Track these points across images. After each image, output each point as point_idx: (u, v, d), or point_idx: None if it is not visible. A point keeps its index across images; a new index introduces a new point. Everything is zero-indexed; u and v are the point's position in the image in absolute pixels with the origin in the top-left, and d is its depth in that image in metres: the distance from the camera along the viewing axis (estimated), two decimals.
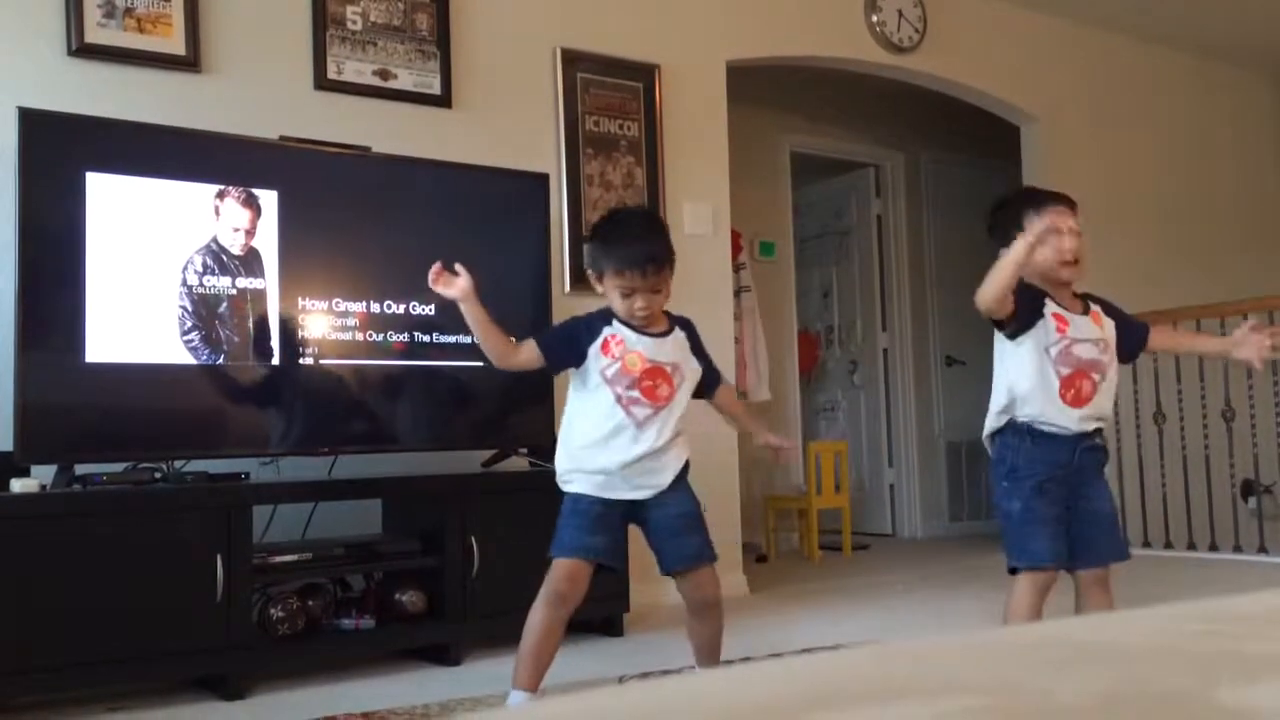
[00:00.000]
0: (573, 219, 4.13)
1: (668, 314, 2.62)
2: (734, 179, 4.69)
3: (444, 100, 3.93)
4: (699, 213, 4.52)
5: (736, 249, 5.46)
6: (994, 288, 2.42)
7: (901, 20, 5.20)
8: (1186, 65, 6.47)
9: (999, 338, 2.58)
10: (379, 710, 2.68)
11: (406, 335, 3.39)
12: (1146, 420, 5.43)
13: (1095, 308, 2.62)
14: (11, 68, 3.22)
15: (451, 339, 3.42)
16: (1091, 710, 0.59)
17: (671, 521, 2.55)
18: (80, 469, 2.90)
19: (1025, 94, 5.73)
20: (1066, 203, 2.58)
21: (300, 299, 3.23)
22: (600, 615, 3.52)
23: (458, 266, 2.49)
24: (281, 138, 3.38)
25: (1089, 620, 1.15)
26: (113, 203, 2.97)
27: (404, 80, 3.86)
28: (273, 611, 3.03)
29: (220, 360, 3.11)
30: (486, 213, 3.61)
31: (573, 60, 4.25)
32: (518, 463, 3.62)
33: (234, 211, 3.15)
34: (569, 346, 2.54)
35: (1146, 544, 5.40)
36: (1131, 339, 2.68)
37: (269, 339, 3.18)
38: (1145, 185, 6.15)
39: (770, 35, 4.85)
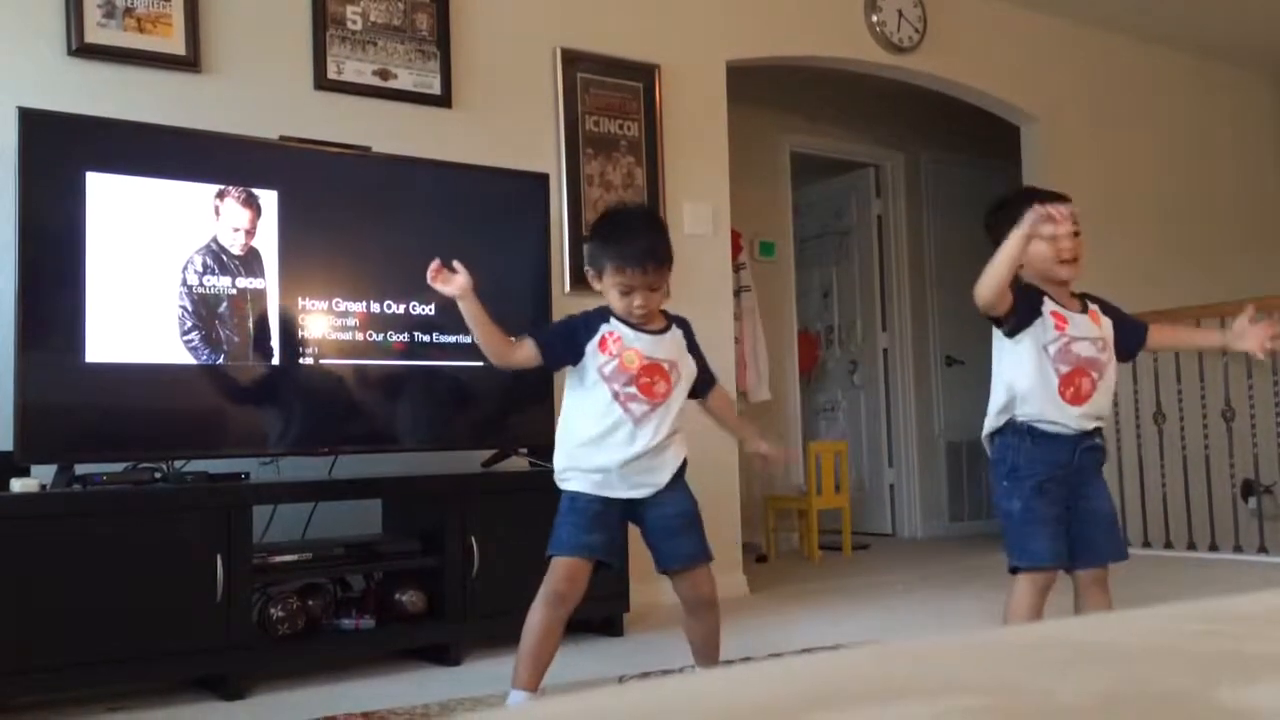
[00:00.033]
0: (573, 219, 4.13)
1: (665, 313, 2.62)
2: (734, 179, 4.69)
3: (444, 100, 3.93)
4: (699, 213, 4.52)
5: (736, 249, 5.46)
6: (991, 282, 2.41)
7: (901, 20, 5.20)
8: (1186, 65, 6.47)
9: (997, 336, 2.58)
10: (379, 710, 2.68)
11: (406, 335, 3.39)
12: (1146, 420, 5.43)
13: (1093, 307, 2.62)
14: (11, 68, 3.22)
15: (451, 339, 3.42)
16: (1091, 710, 0.59)
17: (669, 521, 2.56)
18: (80, 469, 2.90)
19: (1025, 94, 5.73)
20: (1064, 202, 2.58)
21: (300, 299, 3.23)
22: (600, 615, 3.52)
23: (455, 264, 2.49)
24: (281, 138, 3.38)
25: (1089, 620, 1.15)
26: (113, 203, 2.97)
27: (404, 80, 3.86)
28: (273, 611, 3.03)
29: (220, 360, 3.11)
30: (486, 213, 3.61)
31: (573, 60, 4.25)
32: (518, 463, 3.62)
33: (234, 211, 3.15)
34: (567, 344, 2.54)
35: (1146, 544, 5.40)
36: (1130, 337, 2.67)
37: (269, 339, 3.18)
38: (1145, 185, 6.15)
39: (770, 35, 4.85)
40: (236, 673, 2.90)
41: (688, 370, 2.59)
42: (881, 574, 5.16)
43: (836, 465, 5.82)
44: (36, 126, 2.90)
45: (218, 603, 2.87)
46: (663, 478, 2.54)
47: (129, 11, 3.38)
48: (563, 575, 2.48)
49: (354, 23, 3.78)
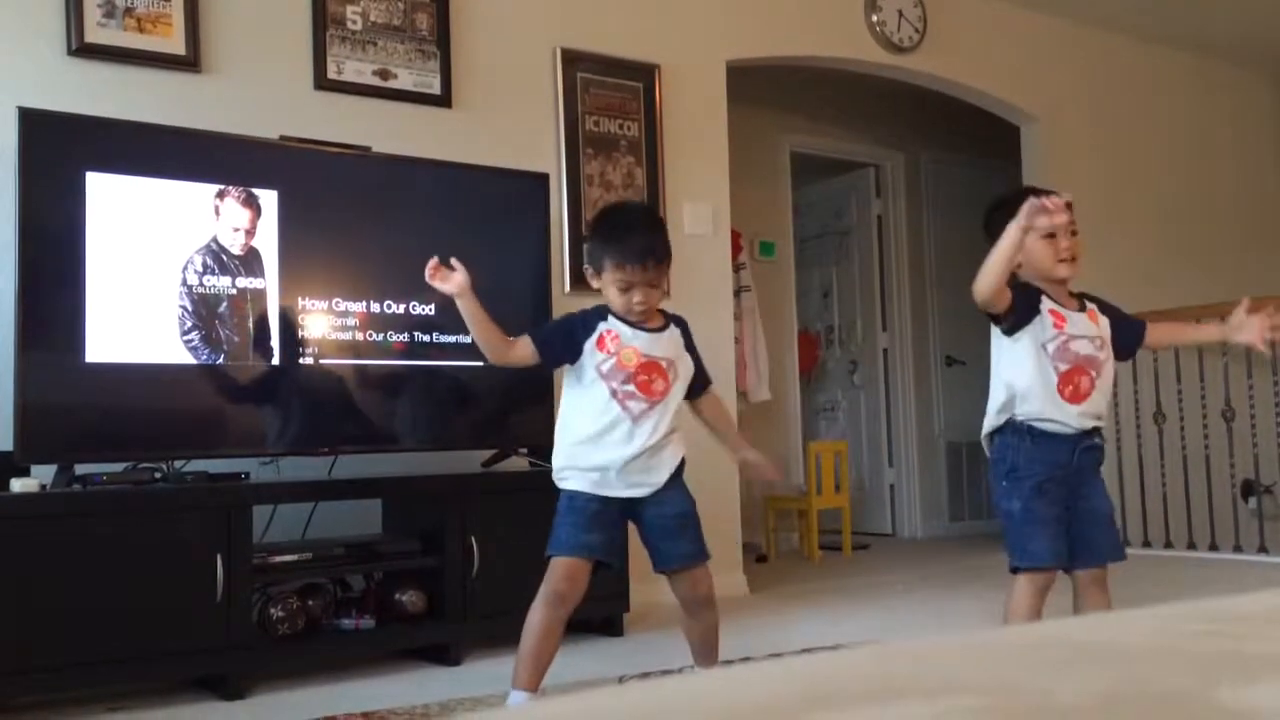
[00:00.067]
0: (573, 219, 4.13)
1: (663, 311, 2.62)
2: (734, 179, 4.69)
3: (444, 100, 3.93)
4: (699, 213, 4.52)
5: (736, 249, 5.46)
6: (989, 277, 2.41)
7: (901, 20, 5.20)
8: (1186, 65, 6.47)
9: (996, 335, 2.58)
10: (379, 710, 2.68)
11: (406, 335, 3.39)
12: (1146, 420, 5.43)
13: (1091, 306, 2.62)
14: (11, 68, 3.22)
15: (451, 339, 3.42)
16: (1091, 710, 0.59)
17: (667, 521, 2.56)
18: (80, 469, 2.90)
19: (1025, 94, 5.73)
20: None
21: (300, 299, 3.23)
22: (600, 615, 3.52)
23: (454, 261, 2.49)
24: (281, 138, 3.38)
25: (1089, 620, 1.15)
26: (113, 203, 2.97)
27: (404, 80, 3.86)
28: (273, 611, 3.03)
29: (220, 360, 3.11)
30: (486, 213, 3.61)
31: (573, 60, 4.25)
32: (518, 463, 3.62)
33: (234, 211, 3.15)
34: (564, 342, 2.54)
35: (1146, 544, 5.41)
36: (1128, 336, 2.67)
37: (269, 339, 3.18)
38: (1145, 185, 6.15)
39: (770, 35, 4.85)
40: (236, 673, 2.90)
41: (686, 369, 2.59)
42: (881, 574, 5.16)
43: (836, 465, 5.82)
44: (36, 126, 2.90)
45: (218, 603, 2.87)
46: (661, 477, 2.54)
47: (129, 11, 3.38)
48: (562, 575, 2.48)
49: (354, 23, 3.78)
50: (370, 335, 3.34)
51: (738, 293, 5.54)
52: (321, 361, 3.26)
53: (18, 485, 2.78)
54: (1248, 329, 2.59)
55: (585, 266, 2.63)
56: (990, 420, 2.60)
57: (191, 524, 2.90)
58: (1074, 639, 0.81)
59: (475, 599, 3.28)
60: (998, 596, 2.65)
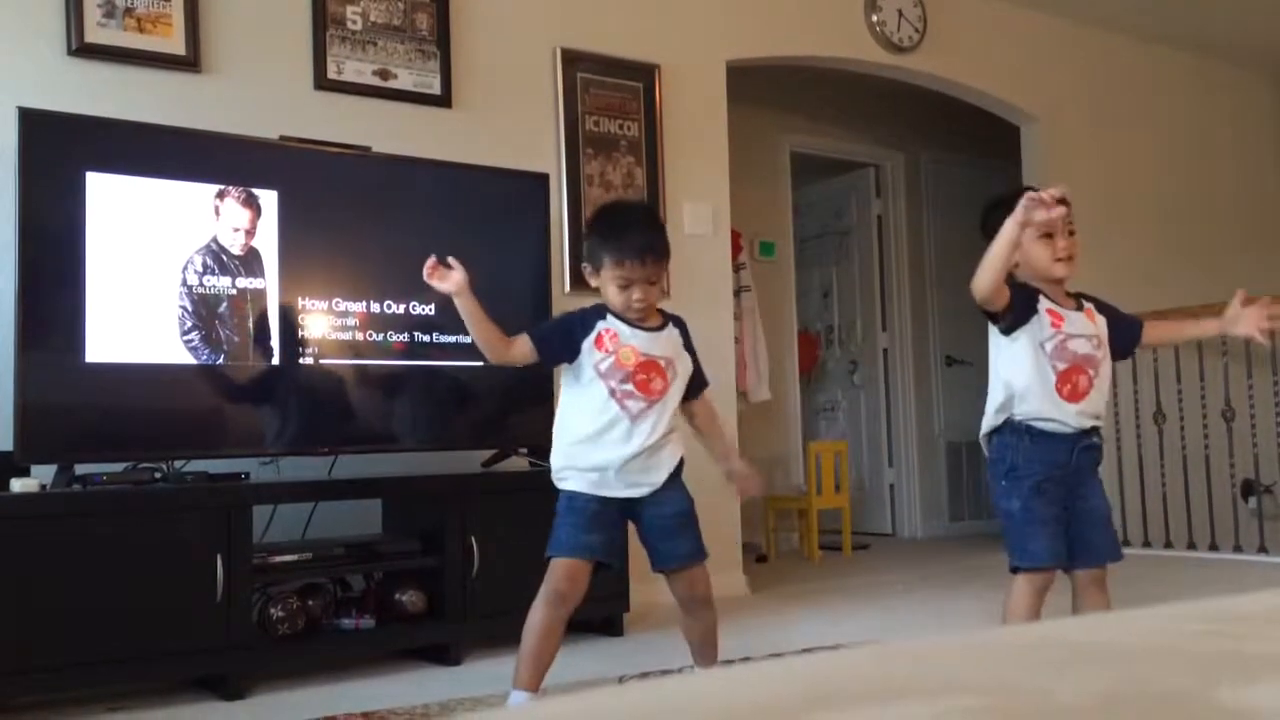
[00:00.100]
0: (573, 219, 4.13)
1: (661, 311, 2.62)
2: (734, 179, 4.69)
3: (444, 100, 3.93)
4: (699, 213, 4.52)
5: (736, 249, 5.46)
6: (988, 274, 2.41)
7: (901, 20, 5.20)
8: (1186, 65, 6.47)
9: (994, 334, 2.58)
10: (379, 710, 2.68)
11: (406, 335, 3.39)
12: (1146, 420, 5.43)
13: (1088, 305, 2.63)
14: (11, 68, 3.23)
15: (451, 339, 3.42)
16: (1091, 710, 0.59)
17: (666, 521, 2.56)
18: (80, 469, 2.90)
19: (1025, 94, 5.73)
20: (1060, 201, 2.57)
21: (300, 299, 3.23)
22: (600, 615, 3.52)
23: (451, 260, 2.49)
24: (281, 138, 3.38)
25: (1088, 620, 1.15)
26: (113, 203, 2.97)
27: (404, 80, 3.86)
28: (273, 611, 3.03)
29: (220, 360, 3.11)
30: (486, 213, 3.61)
31: (573, 60, 4.25)
32: (518, 463, 3.62)
33: (234, 211, 3.15)
34: (563, 340, 2.54)
35: (1146, 544, 5.41)
36: (1125, 335, 2.67)
37: (269, 339, 3.18)
38: (1145, 185, 6.15)
39: (770, 35, 4.85)
40: (236, 673, 2.90)
41: (684, 368, 2.59)
42: (881, 574, 5.16)
43: (836, 465, 5.82)
44: (36, 126, 2.90)
45: (218, 603, 2.87)
46: (660, 476, 2.54)
47: (129, 11, 3.38)
48: (563, 575, 2.48)
49: (354, 23, 3.78)
50: (370, 335, 3.34)
51: (738, 293, 5.54)
52: (321, 361, 3.26)
53: (18, 485, 2.78)
54: (1244, 321, 2.58)
55: (583, 265, 2.63)
56: (988, 420, 2.59)
57: (191, 524, 2.90)
58: (1074, 639, 0.81)
59: (475, 599, 3.28)
60: (998, 596, 2.65)
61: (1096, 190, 5.64)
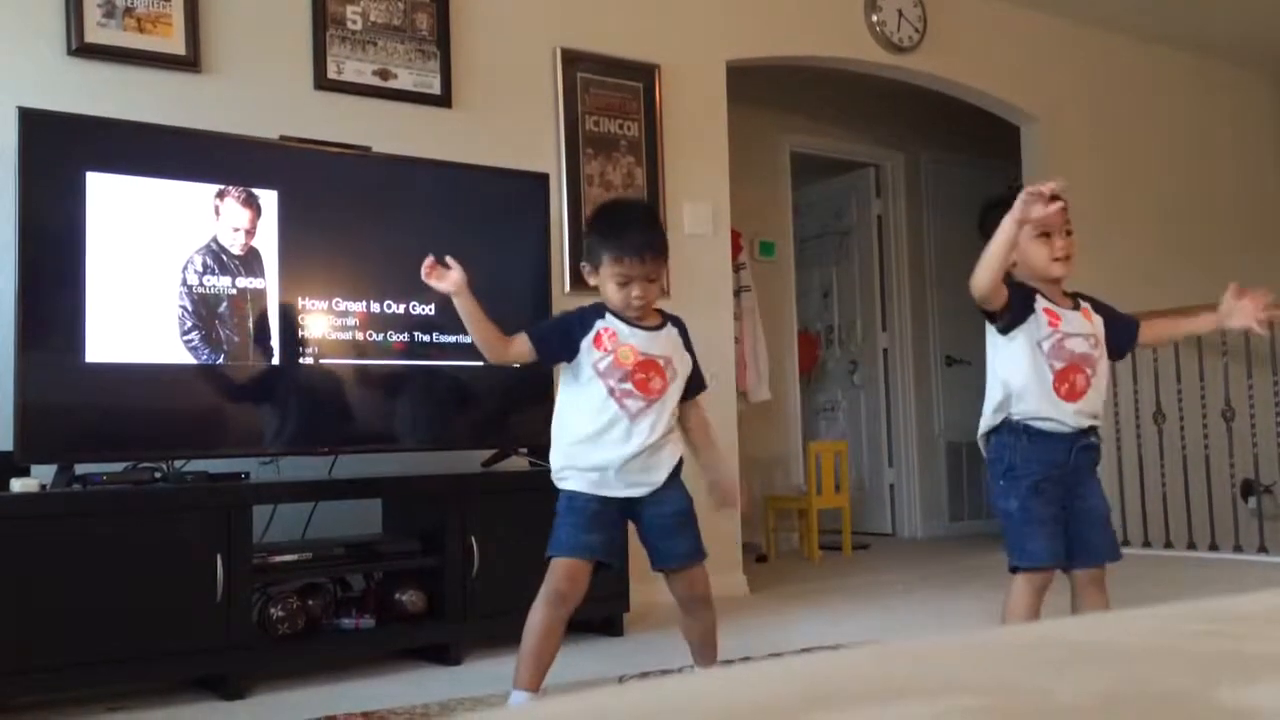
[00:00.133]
0: (573, 219, 4.13)
1: (660, 311, 2.62)
2: (734, 179, 4.69)
3: (444, 100, 3.93)
4: (699, 213, 4.52)
5: (736, 249, 5.46)
6: (987, 272, 2.41)
7: (901, 20, 5.20)
8: (1186, 65, 6.47)
9: (991, 334, 2.58)
10: (379, 710, 2.68)
11: (406, 335, 3.39)
12: (1146, 420, 5.43)
13: (1085, 304, 2.63)
14: (11, 68, 3.22)
15: (451, 339, 3.42)
16: (1091, 710, 0.59)
17: (666, 520, 2.56)
18: (80, 469, 2.90)
19: (1025, 94, 5.72)
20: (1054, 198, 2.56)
21: (300, 299, 3.23)
22: (600, 615, 3.52)
23: (449, 259, 2.49)
24: (281, 138, 3.38)
25: (1088, 620, 1.15)
26: (113, 203, 2.97)
27: (404, 80, 3.86)
28: (273, 611, 3.03)
29: (220, 360, 3.11)
30: (486, 213, 3.61)
31: (573, 60, 4.25)
32: (518, 462, 3.62)
33: (234, 211, 3.15)
34: (562, 339, 2.54)
35: (1146, 544, 5.40)
36: (1122, 335, 2.67)
37: (269, 339, 3.18)
38: (1145, 185, 6.15)
39: (770, 35, 4.85)
40: (236, 673, 2.90)
41: (684, 367, 2.59)
42: (881, 574, 5.16)
43: (836, 465, 5.82)
44: (36, 126, 2.90)
45: (218, 603, 2.87)
46: (660, 476, 2.54)
47: (129, 11, 3.38)
48: (563, 575, 2.48)
49: (354, 23, 3.78)
50: (370, 335, 3.34)
51: (738, 293, 5.54)
52: (321, 361, 3.26)
53: (18, 485, 2.78)
54: (1240, 313, 2.58)
55: (582, 264, 2.63)
56: (987, 420, 2.59)
57: (191, 524, 2.90)
58: (1073, 639, 0.81)
59: (475, 599, 3.28)
60: (997, 596, 2.65)
61: (1096, 190, 5.64)
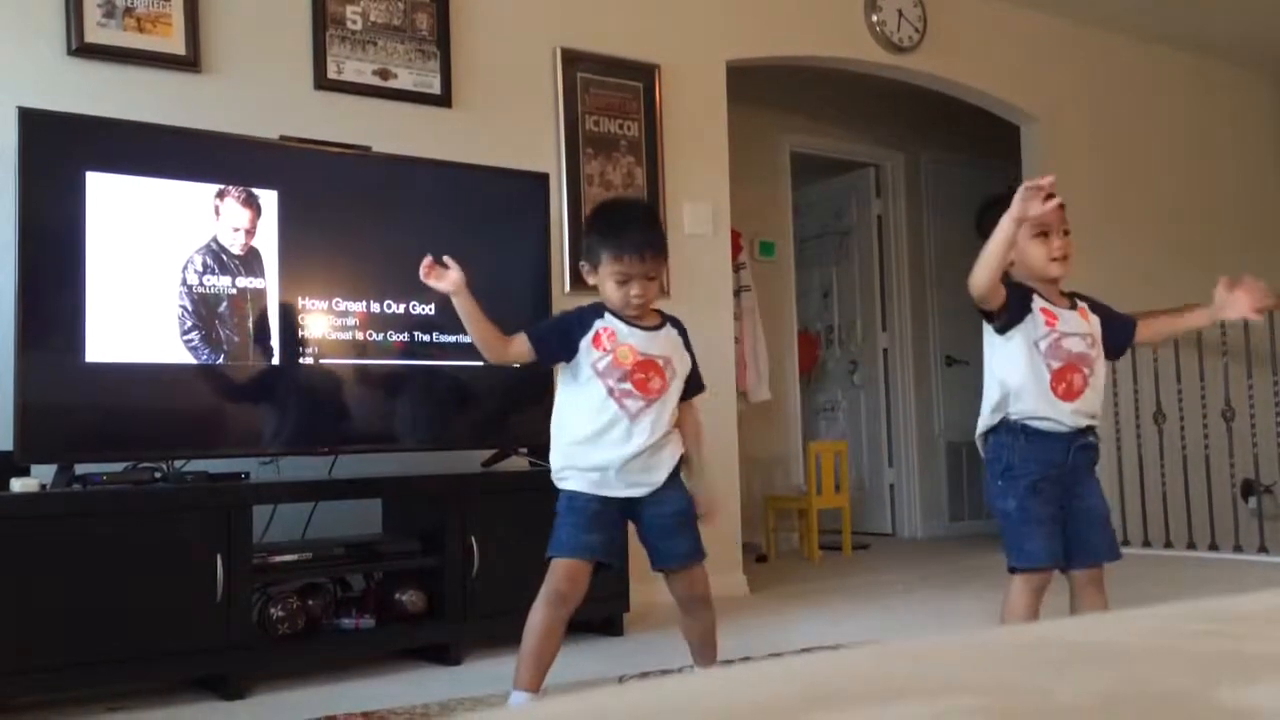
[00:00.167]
0: (573, 219, 4.13)
1: (659, 311, 2.62)
2: (734, 179, 4.69)
3: (444, 100, 3.93)
4: (699, 213, 4.52)
5: (736, 249, 5.46)
6: (985, 271, 2.41)
7: (901, 20, 5.20)
8: (1186, 65, 6.47)
9: (988, 334, 2.58)
10: (379, 710, 2.68)
11: (406, 335, 3.39)
12: (1146, 420, 5.43)
13: (1082, 304, 2.63)
14: (11, 68, 3.22)
15: (451, 339, 3.42)
16: (1091, 710, 0.59)
17: (666, 520, 2.56)
18: (80, 469, 2.90)
19: (1025, 94, 5.72)
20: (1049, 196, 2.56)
21: (300, 298, 3.23)
22: (600, 615, 3.52)
23: (447, 259, 2.49)
24: (281, 138, 3.38)
25: (1088, 620, 1.15)
26: (113, 203, 2.97)
27: (404, 80, 3.86)
28: (273, 611, 3.03)
29: (220, 360, 3.11)
30: (486, 212, 3.61)
31: (573, 60, 4.25)
32: (518, 462, 3.62)
33: (234, 211, 3.15)
34: (561, 339, 2.54)
35: (1146, 544, 5.40)
36: (1119, 334, 2.67)
37: (269, 339, 3.18)
38: (1145, 185, 6.15)
39: (770, 35, 4.85)
40: (236, 673, 2.90)
41: (683, 367, 2.59)
42: (881, 574, 5.16)
43: (836, 465, 5.82)
44: (36, 126, 2.90)
45: (218, 603, 2.87)
46: (660, 476, 2.54)
47: (129, 11, 3.38)
48: (563, 575, 2.48)
49: (354, 23, 3.78)
50: (370, 335, 3.34)
51: (738, 293, 5.54)
52: (321, 361, 3.26)
53: (18, 485, 2.78)
54: (1235, 304, 2.58)
55: (581, 263, 2.63)
56: (984, 420, 2.59)
57: (191, 524, 2.90)
58: (1073, 639, 0.81)
59: (475, 599, 3.28)
60: (997, 596, 2.65)
61: (1096, 190, 5.64)
